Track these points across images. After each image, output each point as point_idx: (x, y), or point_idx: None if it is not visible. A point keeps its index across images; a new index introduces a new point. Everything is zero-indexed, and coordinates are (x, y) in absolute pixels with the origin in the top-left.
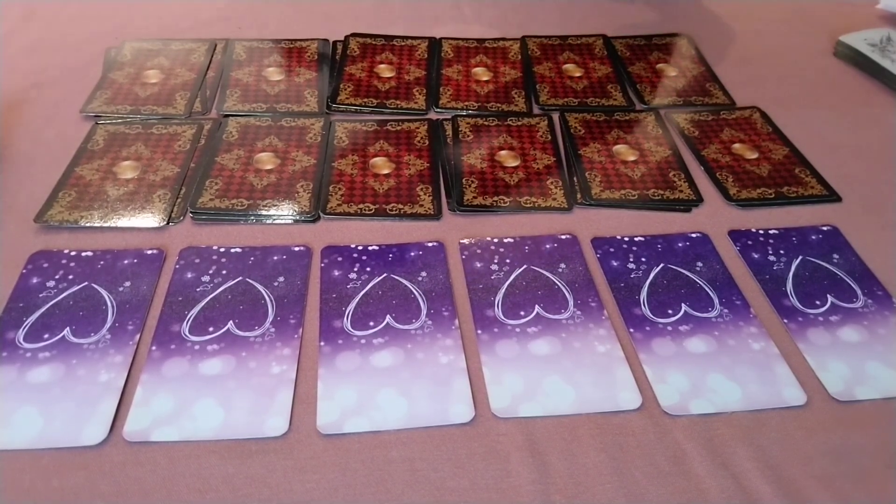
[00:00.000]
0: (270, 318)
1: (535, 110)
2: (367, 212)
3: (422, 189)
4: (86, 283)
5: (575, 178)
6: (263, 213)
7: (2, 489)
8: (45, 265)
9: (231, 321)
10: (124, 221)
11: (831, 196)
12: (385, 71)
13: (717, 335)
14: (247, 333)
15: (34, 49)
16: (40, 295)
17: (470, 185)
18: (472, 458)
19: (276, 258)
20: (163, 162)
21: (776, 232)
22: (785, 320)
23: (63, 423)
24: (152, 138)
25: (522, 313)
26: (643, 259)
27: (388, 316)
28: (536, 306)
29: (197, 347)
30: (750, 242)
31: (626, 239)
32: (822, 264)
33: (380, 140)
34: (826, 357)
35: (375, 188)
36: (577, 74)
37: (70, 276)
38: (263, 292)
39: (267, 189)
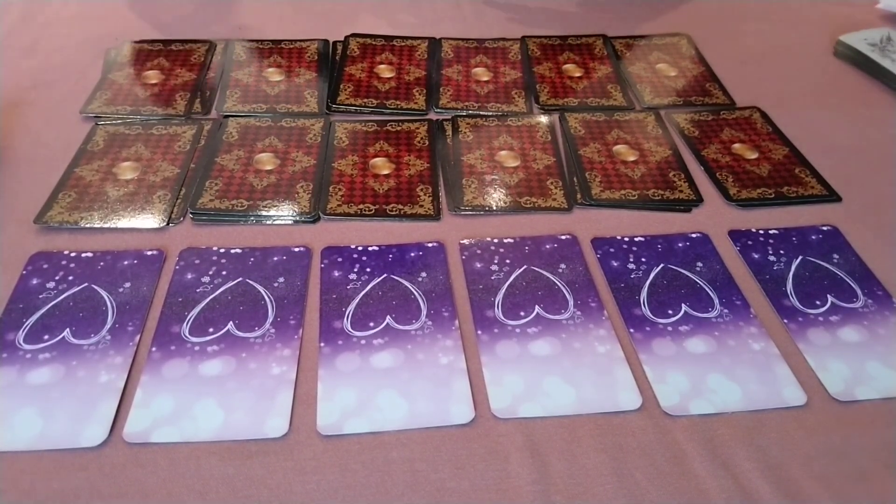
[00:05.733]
0: (270, 318)
1: (536, 110)
2: (367, 212)
3: (422, 189)
4: (86, 284)
5: (575, 179)
6: (263, 213)
7: (2, 490)
8: (45, 266)
9: (231, 322)
10: (124, 222)
11: (831, 196)
12: (385, 71)
13: (718, 335)
14: (247, 334)
15: (34, 49)
16: (40, 296)
17: (470, 186)
18: (473, 458)
19: (276, 259)
20: (163, 163)
21: (776, 232)
22: (785, 320)
23: (63, 425)
24: (152, 139)
25: (522, 314)
26: (643, 259)
27: (388, 317)
28: (536, 307)
29: (197, 348)
30: (750, 242)
31: (626, 239)
32: (822, 264)
33: (380, 140)
34: (826, 357)
35: (375, 189)
36: (577, 74)
37: (70, 278)
38: (263, 293)
39: (267, 190)
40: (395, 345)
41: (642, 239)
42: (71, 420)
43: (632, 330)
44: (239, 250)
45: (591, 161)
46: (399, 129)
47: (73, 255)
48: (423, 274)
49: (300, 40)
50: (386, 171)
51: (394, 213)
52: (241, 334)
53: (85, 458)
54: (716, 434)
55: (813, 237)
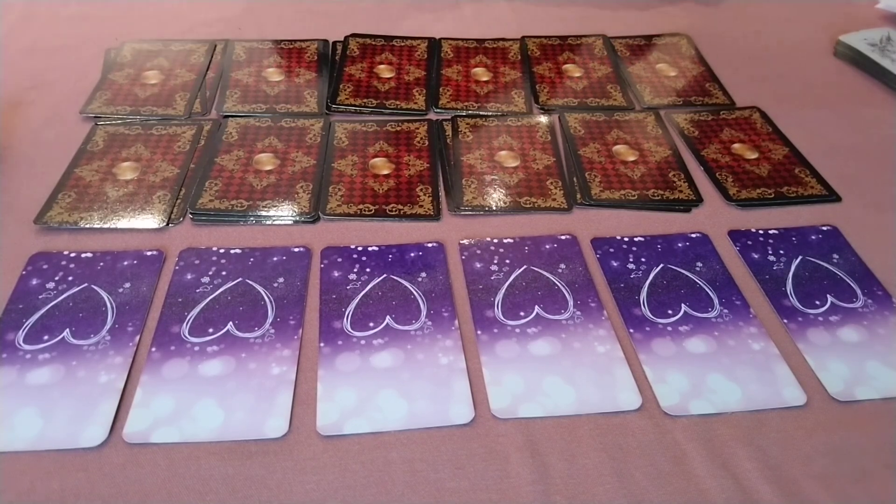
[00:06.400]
0: (270, 319)
1: (535, 110)
2: (366, 212)
3: (421, 189)
4: (85, 284)
5: (574, 179)
6: (263, 214)
7: (2, 490)
8: (45, 266)
9: (231, 322)
10: (124, 223)
11: (831, 196)
12: (385, 71)
13: (717, 335)
14: (246, 335)
15: (34, 50)
16: (40, 296)
17: (469, 186)
18: (472, 458)
19: (275, 259)
20: (162, 163)
21: (776, 232)
22: (785, 320)
23: (63, 425)
24: (152, 139)
25: (522, 314)
26: (643, 259)
27: (387, 317)
28: (536, 307)
29: (197, 349)
30: (750, 242)
31: (626, 239)
32: (822, 264)
33: (379, 141)
34: (826, 357)
35: (375, 189)
36: (577, 74)
37: (70, 278)
38: (263, 293)
39: (266, 190)
40: (394, 345)
41: (642, 239)
42: (71, 420)
43: (631, 330)
44: (239, 250)
45: (590, 161)
46: (399, 129)
47: (72, 255)
48: (423, 274)
49: (300, 40)
50: (386, 172)
51: (393, 213)
52: (240, 334)
53: (85, 459)
54: (716, 434)
55: (813, 237)
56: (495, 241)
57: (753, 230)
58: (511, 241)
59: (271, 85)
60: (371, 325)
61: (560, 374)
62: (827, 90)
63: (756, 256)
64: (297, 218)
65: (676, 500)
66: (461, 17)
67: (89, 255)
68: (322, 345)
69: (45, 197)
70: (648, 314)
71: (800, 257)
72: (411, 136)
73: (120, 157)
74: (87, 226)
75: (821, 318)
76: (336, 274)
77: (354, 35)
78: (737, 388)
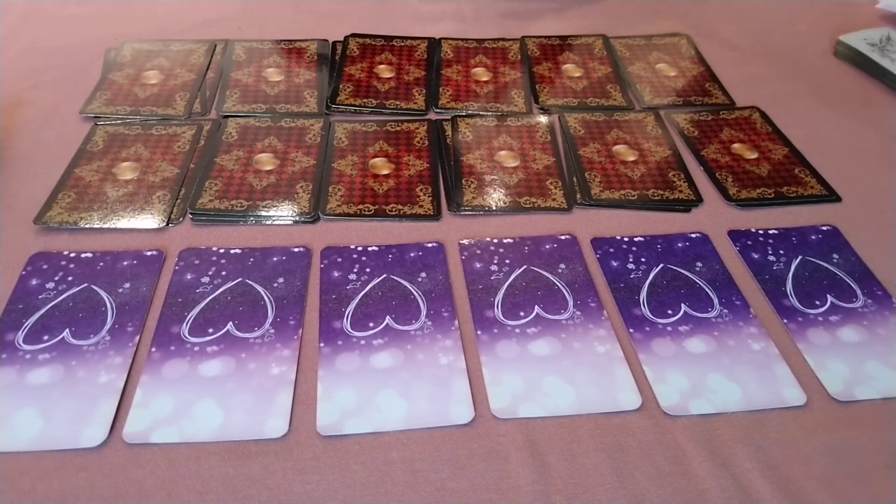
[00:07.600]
0: (270, 319)
1: (535, 110)
2: (366, 213)
3: (421, 190)
4: (85, 284)
5: (574, 179)
6: (263, 214)
7: (2, 491)
8: (45, 267)
9: (231, 322)
10: (124, 223)
11: (831, 196)
12: (384, 71)
13: (717, 335)
14: (246, 335)
15: (34, 50)
16: (40, 296)
17: (469, 186)
18: (472, 458)
19: (275, 259)
20: (162, 163)
21: (776, 232)
22: (785, 320)
23: (63, 425)
24: (152, 139)
25: (522, 314)
26: (643, 259)
27: (387, 317)
28: (536, 307)
29: (196, 349)
30: (749, 242)
31: (626, 239)
32: (822, 264)
33: (379, 141)
34: (826, 357)
35: (375, 189)
36: (577, 74)
37: (69, 278)
38: (263, 293)
39: (266, 190)
40: (394, 345)
41: (642, 239)
42: (71, 420)
43: (631, 330)
44: (238, 251)
45: (590, 161)
46: (399, 129)
47: (72, 255)
48: (423, 274)
49: (300, 40)
50: (385, 172)
51: (393, 213)
52: (240, 335)
53: (85, 459)
54: (716, 434)
55: (813, 237)
56: (495, 241)
57: (753, 230)
58: (511, 241)
59: (271, 85)
60: (371, 325)
61: (560, 374)
62: (827, 90)
63: (756, 256)
64: (297, 218)
65: (676, 500)
66: (461, 17)
67: (89, 255)
68: (322, 345)
69: (44, 197)
70: (648, 314)
71: (800, 257)
72: (411, 136)
73: (120, 157)
74: (87, 226)
75: (821, 318)
76: (336, 274)
77: (354, 35)
78: (737, 388)
